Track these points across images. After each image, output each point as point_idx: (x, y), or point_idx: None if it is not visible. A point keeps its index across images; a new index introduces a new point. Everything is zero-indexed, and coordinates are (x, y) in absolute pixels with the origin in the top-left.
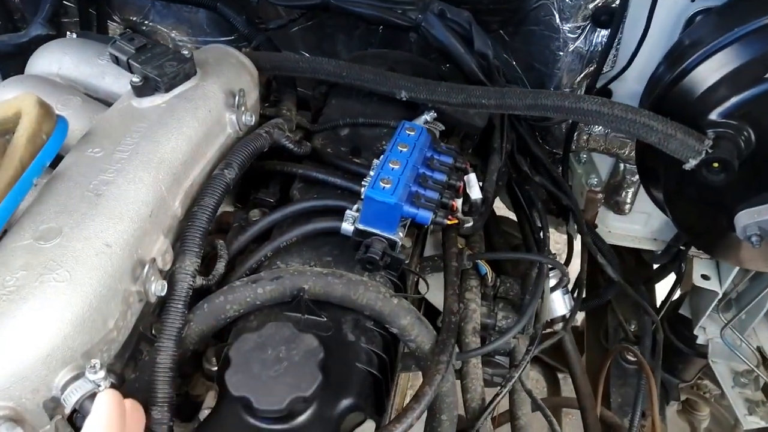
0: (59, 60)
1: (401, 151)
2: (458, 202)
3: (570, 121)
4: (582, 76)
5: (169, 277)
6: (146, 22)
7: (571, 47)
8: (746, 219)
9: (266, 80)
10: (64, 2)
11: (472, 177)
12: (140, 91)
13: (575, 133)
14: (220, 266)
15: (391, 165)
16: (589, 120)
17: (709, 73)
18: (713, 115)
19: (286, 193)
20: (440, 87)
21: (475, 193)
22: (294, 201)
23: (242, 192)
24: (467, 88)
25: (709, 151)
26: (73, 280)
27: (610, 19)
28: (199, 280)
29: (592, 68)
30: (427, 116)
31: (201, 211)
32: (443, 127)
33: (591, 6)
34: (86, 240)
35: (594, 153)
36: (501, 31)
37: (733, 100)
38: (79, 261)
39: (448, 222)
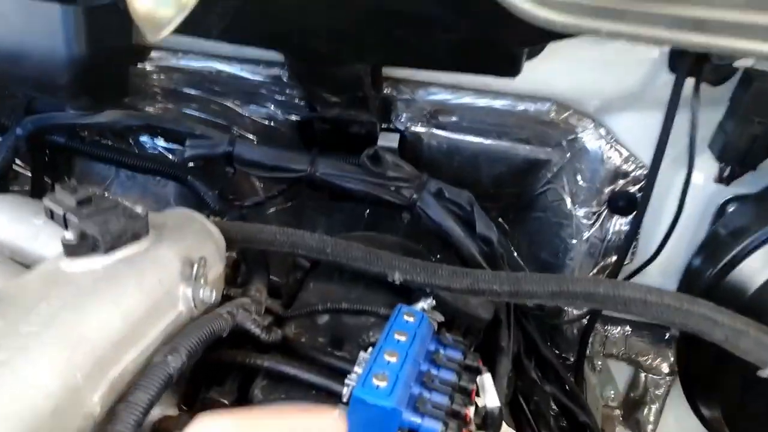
0: None
1: (399, 340)
2: (471, 411)
3: (586, 319)
4: (597, 269)
5: None
6: (106, 195)
7: (586, 235)
8: None
9: (233, 261)
10: (15, 166)
11: (487, 379)
12: (73, 250)
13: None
14: None
15: (386, 357)
16: (632, 311)
17: (760, 266)
18: None
19: (245, 392)
20: (442, 269)
21: (492, 400)
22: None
23: (190, 389)
24: (473, 271)
25: None
26: None
27: (629, 205)
28: None
29: (608, 260)
30: (425, 304)
31: (129, 412)
32: (442, 318)
33: (607, 190)
34: None
35: (610, 360)
36: (500, 219)
37: None
38: None
39: None
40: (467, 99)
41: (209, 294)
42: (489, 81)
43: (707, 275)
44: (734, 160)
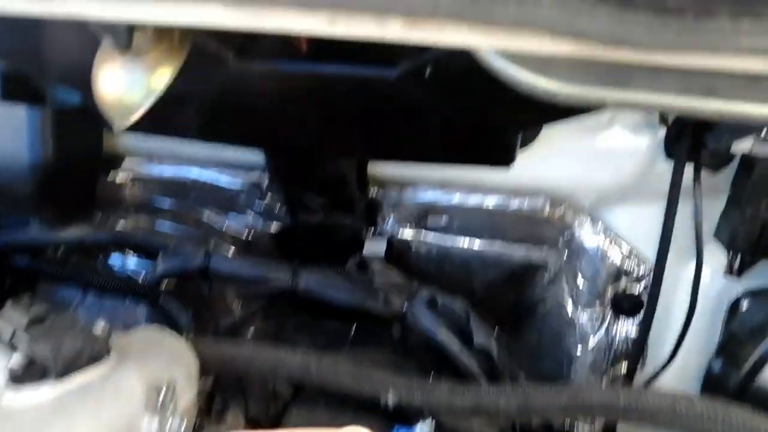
0: None
1: None
2: None
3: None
4: (606, 380)
5: None
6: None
7: (591, 343)
8: None
9: (207, 394)
10: None
11: None
12: (20, 378)
13: None
14: None
15: None
16: (659, 422)
17: None
18: None
19: None
20: (440, 386)
21: None
22: None
23: None
24: (475, 387)
25: None
26: None
27: (635, 306)
28: None
29: (617, 369)
30: (422, 429)
31: None
32: None
33: (609, 292)
34: None
35: None
36: (497, 330)
37: None
38: None
39: None
40: (458, 198)
41: (178, 425)
42: (480, 176)
43: (732, 382)
44: (745, 249)
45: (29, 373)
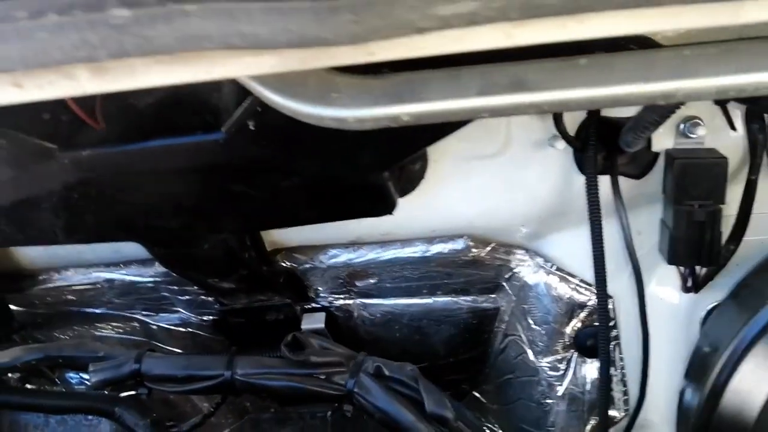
0: None
1: None
2: None
3: None
4: (590, 428)
5: None
6: None
7: (560, 390)
8: None
9: None
10: None
11: None
12: None
13: None
14: None
15: None
16: None
17: (752, 381)
18: None
19: None
20: None
21: None
22: None
23: None
24: None
25: None
26: None
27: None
28: None
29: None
30: None
31: None
32: None
33: (567, 330)
34: None
35: None
36: (475, 393)
37: None
38: None
39: None
40: (371, 254)
41: None
42: (388, 227)
43: (698, 405)
44: (688, 259)
45: None
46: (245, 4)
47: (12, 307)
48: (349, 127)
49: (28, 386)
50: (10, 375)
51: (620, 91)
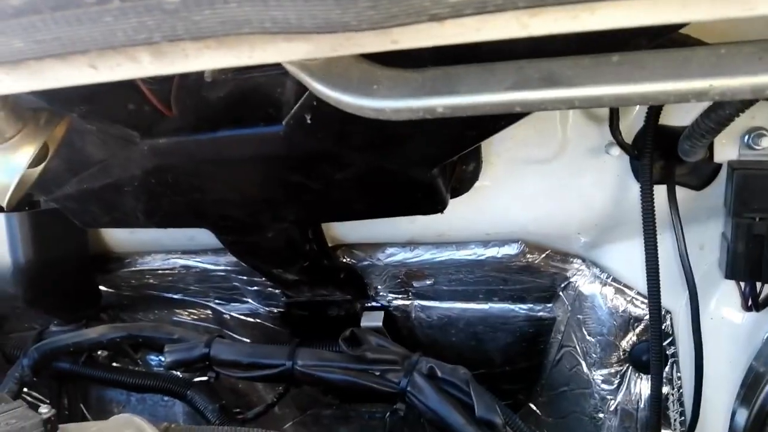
0: None
1: None
2: None
3: None
4: None
5: None
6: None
7: (612, 404)
8: None
9: None
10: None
11: None
12: None
13: None
14: None
15: None
16: None
17: None
18: None
19: None
20: None
21: None
22: None
23: None
24: None
25: None
26: None
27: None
28: None
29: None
30: None
31: None
32: None
33: (623, 343)
34: None
35: None
36: (531, 405)
37: None
38: None
39: None
40: (427, 255)
41: None
42: (444, 228)
43: (745, 426)
44: (747, 275)
45: None
46: None
47: (101, 288)
48: (386, 117)
49: (114, 365)
50: (99, 353)
51: (651, 89)
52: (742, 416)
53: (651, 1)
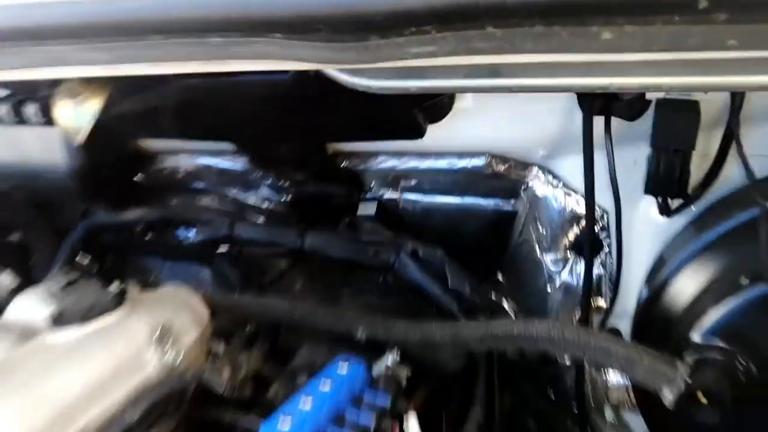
0: None
1: (322, 390)
2: None
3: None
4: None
5: None
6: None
7: (558, 282)
8: None
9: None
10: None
11: (411, 420)
12: (56, 322)
13: (588, 383)
14: None
15: (301, 402)
16: (541, 347)
17: (686, 286)
18: (695, 336)
19: None
20: (398, 324)
21: None
22: None
23: None
24: (424, 324)
25: (688, 380)
26: None
27: (595, 247)
28: None
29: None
30: (389, 358)
31: None
32: (407, 373)
33: (570, 235)
34: None
35: (627, 412)
36: (498, 275)
37: (712, 315)
38: None
39: None
40: (413, 163)
41: (173, 358)
42: (426, 144)
43: (642, 301)
44: (662, 192)
45: (61, 319)
46: (292, 42)
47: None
48: (374, 92)
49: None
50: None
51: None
52: (644, 293)
53: None
